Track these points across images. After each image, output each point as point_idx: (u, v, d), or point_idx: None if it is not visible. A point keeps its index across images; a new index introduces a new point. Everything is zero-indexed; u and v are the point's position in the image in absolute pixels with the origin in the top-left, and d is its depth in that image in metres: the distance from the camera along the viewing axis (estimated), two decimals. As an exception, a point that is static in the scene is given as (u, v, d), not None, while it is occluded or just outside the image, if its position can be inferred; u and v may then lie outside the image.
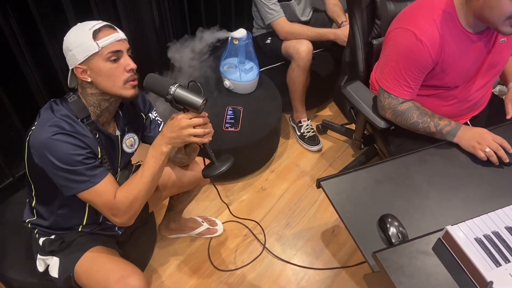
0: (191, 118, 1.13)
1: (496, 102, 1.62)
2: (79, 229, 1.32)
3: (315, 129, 2.39)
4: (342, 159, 2.29)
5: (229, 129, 1.98)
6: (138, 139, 1.40)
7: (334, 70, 2.34)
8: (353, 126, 2.07)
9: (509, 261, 0.92)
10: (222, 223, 1.94)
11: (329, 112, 2.59)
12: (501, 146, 1.25)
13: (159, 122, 1.44)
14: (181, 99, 1.12)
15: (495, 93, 1.96)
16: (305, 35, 2.14)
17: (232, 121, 2.02)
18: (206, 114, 1.17)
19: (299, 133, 2.36)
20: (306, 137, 2.33)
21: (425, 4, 1.33)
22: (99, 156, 1.19)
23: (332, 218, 1.97)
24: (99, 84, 1.15)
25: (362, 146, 1.94)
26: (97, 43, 1.11)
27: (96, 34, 1.11)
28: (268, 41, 2.28)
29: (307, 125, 2.35)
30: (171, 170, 1.47)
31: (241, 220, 1.96)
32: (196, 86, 1.17)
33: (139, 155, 1.42)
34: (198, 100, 1.11)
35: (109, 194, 1.16)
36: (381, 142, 1.70)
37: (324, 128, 2.41)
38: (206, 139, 1.17)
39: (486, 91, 1.50)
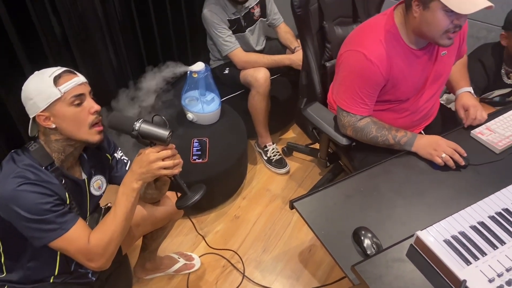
0: (159, 151, 1.14)
1: (445, 111, 1.73)
2: (51, 281, 1.27)
3: (281, 152, 2.43)
4: (310, 178, 2.34)
5: (197, 161, 1.99)
6: (105, 180, 1.38)
7: (293, 93, 2.42)
8: (317, 146, 2.13)
9: (478, 259, 0.98)
10: (199, 257, 1.91)
11: (292, 134, 2.65)
12: (455, 150, 1.33)
13: (125, 161, 1.44)
14: (147, 133, 1.13)
15: (442, 102, 2.10)
16: (261, 63, 2.21)
17: (199, 152, 2.03)
18: (173, 145, 1.18)
19: (266, 158, 2.40)
20: (273, 160, 2.37)
21: (370, 27, 1.43)
22: (68, 202, 1.17)
23: (308, 238, 1.99)
24: (64, 130, 1.14)
25: (328, 164, 2.00)
26: (58, 89, 1.11)
27: (57, 80, 1.11)
28: (226, 71, 2.34)
29: (273, 149, 2.40)
30: (142, 207, 1.45)
31: (218, 251, 1.94)
32: (161, 119, 1.19)
33: (107, 197, 1.40)
34: (164, 132, 1.12)
35: (82, 240, 1.13)
36: (345, 158, 1.76)
37: (289, 150, 2.46)
38: (176, 170, 1.18)
39: (435, 101, 1.61)
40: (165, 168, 1.15)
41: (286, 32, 2.40)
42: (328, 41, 1.75)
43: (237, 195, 2.23)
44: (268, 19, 2.37)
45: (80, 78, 1.16)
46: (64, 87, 1.11)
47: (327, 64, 1.76)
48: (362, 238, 1.11)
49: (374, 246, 1.10)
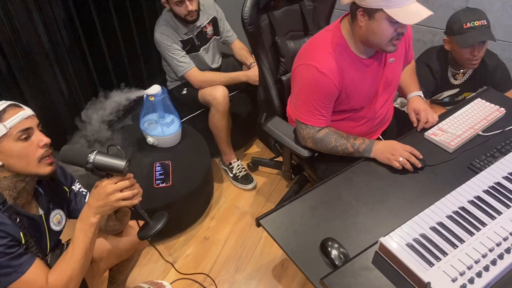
0: (116, 183, 1.11)
1: (399, 114, 1.78)
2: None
3: (246, 167, 2.43)
4: (277, 191, 2.33)
5: (161, 185, 1.95)
6: (64, 214, 1.33)
7: (253, 109, 2.43)
8: (281, 159, 2.14)
9: (440, 259, 1.00)
10: (170, 283, 1.85)
11: (256, 148, 2.65)
12: (411, 153, 1.37)
13: (84, 193, 1.39)
14: (102, 165, 1.10)
15: (397, 106, 2.17)
16: (218, 81, 2.21)
17: (162, 176, 1.99)
18: (132, 175, 1.15)
19: (231, 175, 2.39)
20: (239, 177, 2.36)
21: (319, 41, 1.46)
22: (23, 242, 1.11)
23: (279, 252, 1.98)
24: (12, 166, 1.10)
25: (293, 176, 2.01)
26: (3, 124, 1.07)
27: (1, 116, 1.07)
28: (184, 91, 2.32)
29: (238, 165, 2.39)
30: (104, 240, 1.41)
31: (189, 275, 1.89)
32: (116, 149, 1.17)
33: (68, 232, 1.34)
34: (120, 163, 1.10)
35: (40, 281, 1.08)
36: (309, 169, 1.78)
37: (254, 165, 2.46)
38: (136, 201, 1.16)
39: (389, 107, 1.66)
40: (124, 199, 1.13)
41: (241, 49, 2.41)
42: (282, 56, 1.77)
43: (205, 215, 2.20)
44: (221, 37, 2.38)
45: (26, 111, 1.12)
46: (9, 122, 1.07)
47: (283, 78, 1.79)
48: (329, 249, 1.12)
49: (342, 256, 1.11)
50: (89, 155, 1.09)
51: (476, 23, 1.74)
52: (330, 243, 1.13)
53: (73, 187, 1.37)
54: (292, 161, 1.95)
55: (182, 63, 2.16)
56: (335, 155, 1.52)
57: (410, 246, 1.03)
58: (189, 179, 2.02)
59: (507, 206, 1.12)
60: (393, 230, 1.08)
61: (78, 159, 1.10)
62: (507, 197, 1.15)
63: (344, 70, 1.40)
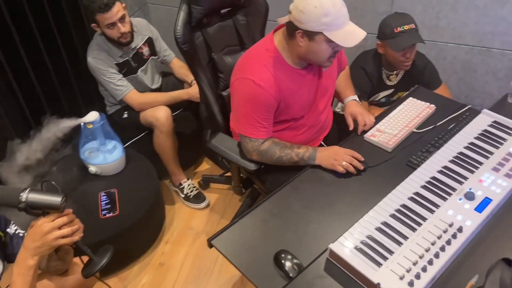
0: (53, 220, 1.05)
1: (339, 119, 1.83)
2: None
3: (197, 186, 2.39)
4: (231, 206, 2.31)
5: (107, 215, 1.86)
6: (1, 260, 1.23)
7: (198, 126, 2.40)
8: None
9: (387, 259, 1.02)
10: (128, 317, 1.78)
11: (206, 165, 2.62)
12: (353, 157, 1.41)
13: (21, 235, 1.30)
14: (36, 203, 1.04)
15: (338, 110, 2.23)
16: (159, 101, 2.17)
17: (109, 206, 1.90)
18: (70, 210, 1.10)
19: (183, 195, 2.33)
20: (190, 197, 2.31)
21: (253, 54, 1.47)
22: None
23: (238, 269, 1.96)
24: None
25: (243, 190, 2.00)
26: None
27: None
28: (125, 115, 2.25)
29: (189, 184, 2.34)
30: (48, 281, 1.31)
31: (147, 305, 1.82)
32: (51, 185, 1.11)
33: (7, 278, 1.24)
34: (56, 199, 1.05)
35: None
36: (258, 182, 1.78)
37: (205, 182, 2.42)
38: (77, 237, 1.10)
39: (328, 113, 1.70)
40: (63, 237, 1.07)
41: (180, 67, 2.39)
42: (220, 71, 1.77)
43: (159, 240, 2.13)
44: (159, 57, 2.34)
45: None
46: None
47: (224, 93, 1.78)
48: (283, 261, 1.11)
49: (295, 267, 1.10)
50: (21, 194, 1.03)
51: (406, 27, 1.84)
52: (283, 255, 1.13)
53: (8, 230, 1.28)
54: (241, 175, 1.94)
55: (120, 86, 2.10)
56: (281, 165, 1.52)
57: (358, 249, 1.04)
58: (138, 205, 1.95)
59: (444, 199, 1.17)
60: (342, 234, 1.10)
61: (9, 199, 1.04)
62: (442, 190, 1.21)
63: (280, 81, 1.42)
